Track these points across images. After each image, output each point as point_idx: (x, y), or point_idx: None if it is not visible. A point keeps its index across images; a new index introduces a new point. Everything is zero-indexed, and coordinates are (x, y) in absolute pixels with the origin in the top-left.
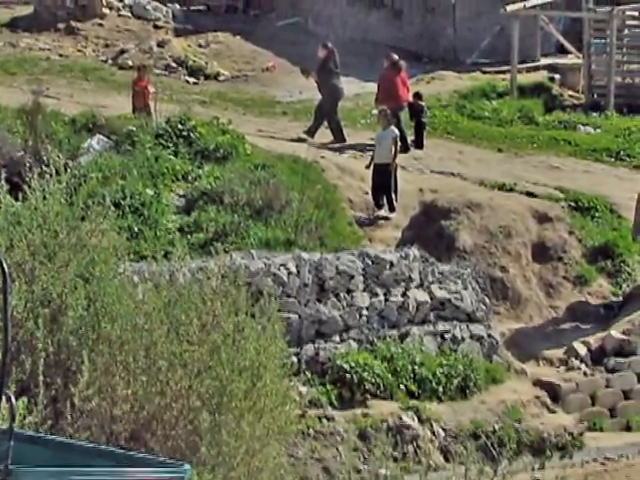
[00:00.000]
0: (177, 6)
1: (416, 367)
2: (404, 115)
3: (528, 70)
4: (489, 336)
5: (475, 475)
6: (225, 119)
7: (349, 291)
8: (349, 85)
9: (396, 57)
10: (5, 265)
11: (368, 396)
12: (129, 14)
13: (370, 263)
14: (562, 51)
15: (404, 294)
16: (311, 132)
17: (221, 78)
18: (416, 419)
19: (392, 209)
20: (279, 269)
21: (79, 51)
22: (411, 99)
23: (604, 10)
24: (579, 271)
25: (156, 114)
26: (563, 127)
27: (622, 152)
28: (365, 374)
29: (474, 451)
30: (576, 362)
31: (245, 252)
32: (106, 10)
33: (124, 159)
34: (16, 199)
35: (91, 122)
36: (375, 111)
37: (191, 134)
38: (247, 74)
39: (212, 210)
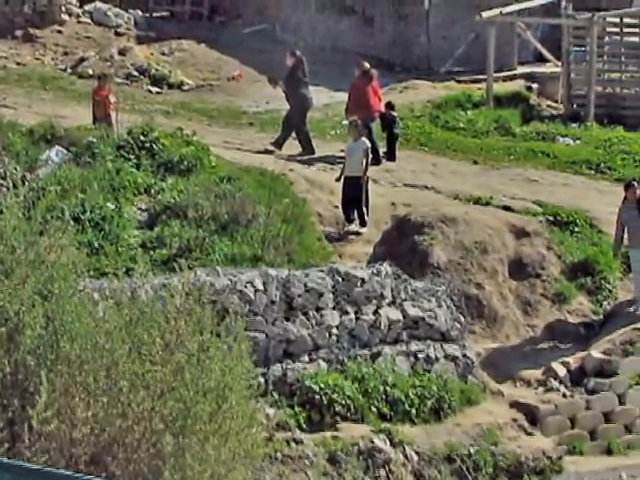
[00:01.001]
0: (139, 12)
1: (388, 388)
2: (376, 126)
3: (505, 79)
4: (464, 356)
5: None
6: (189, 130)
7: (318, 309)
8: (318, 95)
9: (367, 66)
10: None
11: (338, 418)
12: (89, 21)
13: (340, 280)
14: (540, 59)
15: (376, 312)
16: (279, 144)
17: (185, 87)
18: (388, 442)
19: (363, 224)
20: (245, 286)
21: (37, 59)
22: (383, 109)
23: (584, 16)
24: (558, 288)
25: (117, 125)
26: (541, 138)
27: (603, 164)
28: (335, 395)
29: (448, 475)
30: (555, 383)
31: (210, 268)
32: (65, 16)
33: (84, 172)
34: None
35: (50, 133)
36: (345, 122)
37: (154, 146)
38: (212, 83)
39: (176, 225)
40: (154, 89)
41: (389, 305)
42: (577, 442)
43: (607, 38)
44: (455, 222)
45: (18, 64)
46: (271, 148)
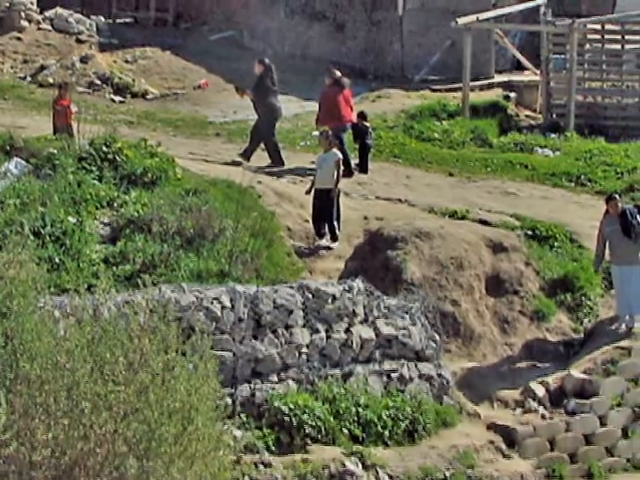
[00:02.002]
0: (102, 19)
1: (360, 409)
2: (347, 137)
3: (481, 88)
4: (439, 376)
5: None
6: (154, 141)
7: (288, 327)
8: (288, 104)
9: (339, 74)
10: None
11: (308, 440)
12: (50, 27)
13: (310, 297)
14: (518, 67)
15: (347, 330)
16: (247, 155)
17: (149, 96)
18: (360, 465)
19: (334, 238)
20: (212, 303)
21: None
22: (355, 119)
23: (564, 23)
24: (537, 305)
25: (79, 135)
26: (519, 149)
27: (583, 177)
28: (305, 417)
29: None
30: (533, 404)
31: (175, 285)
32: (25, 23)
33: (44, 184)
34: None
35: (8, 144)
36: (316, 132)
37: (117, 157)
38: (177, 92)
39: (139, 239)
40: (117, 98)
41: (361, 323)
42: (557, 465)
43: (588, 45)
44: (430, 237)
45: None
46: (239, 159)
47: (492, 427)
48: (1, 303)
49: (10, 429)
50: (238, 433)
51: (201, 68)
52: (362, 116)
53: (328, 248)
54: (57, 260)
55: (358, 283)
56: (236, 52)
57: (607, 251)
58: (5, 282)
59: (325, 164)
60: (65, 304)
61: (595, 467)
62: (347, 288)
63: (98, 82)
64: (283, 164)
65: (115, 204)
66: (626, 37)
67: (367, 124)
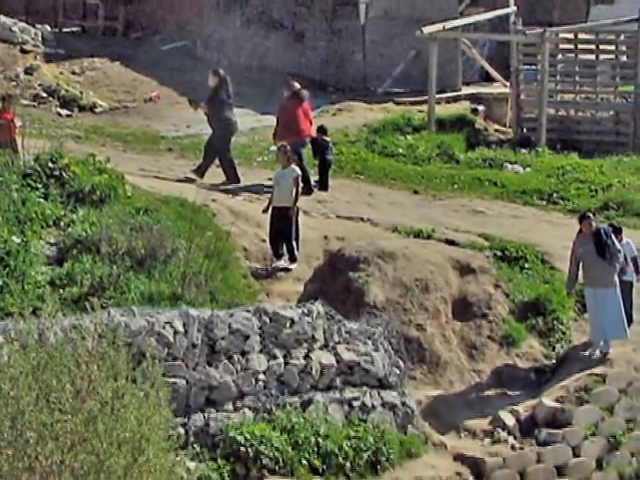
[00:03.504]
0: (48, 28)
1: (320, 439)
2: (307, 152)
3: (448, 101)
4: (403, 404)
5: None
6: (102, 157)
7: (244, 353)
8: (244, 118)
9: (297, 86)
10: None
11: (266, 472)
12: None
13: (268, 321)
14: (487, 79)
15: (307, 356)
16: (200, 171)
17: (98, 110)
18: None
19: (293, 259)
20: (164, 328)
21: None
22: (314, 134)
23: (535, 32)
24: (506, 330)
25: (23, 151)
26: (488, 166)
27: (555, 194)
28: (262, 447)
29: None
30: (503, 434)
31: (125, 308)
32: None
33: None
34: None
35: None
36: (273, 147)
37: (63, 174)
38: (127, 105)
39: (87, 260)
40: (64, 112)
41: (321, 348)
42: None
43: (560, 56)
44: (393, 257)
45: None
46: (192, 176)
47: (459, 458)
48: None
49: None
50: (192, 465)
51: (152, 80)
52: (322, 130)
53: (286, 269)
54: (0, 282)
55: (318, 306)
56: (189, 63)
57: (580, 273)
58: None
59: (283, 181)
60: (9, 328)
61: None
62: (306, 312)
63: (44, 94)
64: (239, 181)
65: (62, 223)
66: (600, 47)
67: (327, 139)
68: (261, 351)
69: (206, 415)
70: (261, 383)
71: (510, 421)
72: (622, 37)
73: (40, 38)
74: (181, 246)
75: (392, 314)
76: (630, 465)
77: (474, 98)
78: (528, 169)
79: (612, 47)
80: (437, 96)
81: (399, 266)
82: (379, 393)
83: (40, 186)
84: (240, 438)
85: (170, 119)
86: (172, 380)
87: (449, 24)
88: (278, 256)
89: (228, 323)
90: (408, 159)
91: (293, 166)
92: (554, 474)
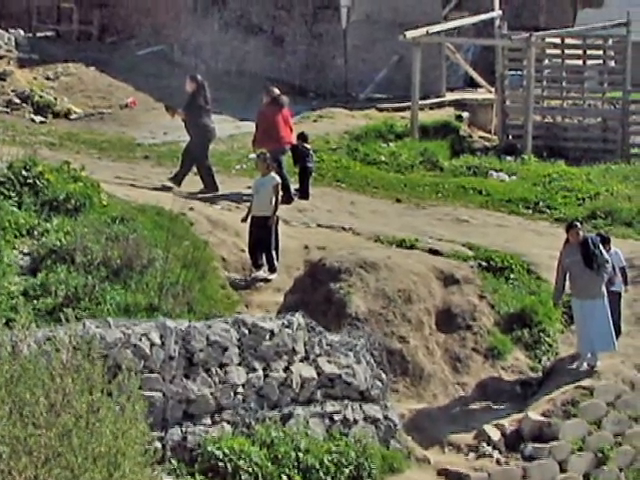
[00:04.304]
0: (21, 32)
1: (301, 454)
2: (287, 159)
3: (431, 107)
4: (386, 418)
5: None
6: (77, 164)
7: (222, 365)
8: (222, 124)
9: (277, 92)
10: None
11: None
12: None
13: (247, 332)
14: (471, 85)
15: (287, 369)
16: (178, 179)
17: (73, 116)
18: None
19: (272, 269)
20: (140, 339)
21: None
22: (295, 141)
23: (520, 37)
24: (491, 342)
25: None
26: (473, 173)
27: (541, 203)
28: (241, 462)
29: None
30: (488, 448)
31: (100, 320)
32: None
33: None
34: None
35: None
36: (253, 155)
37: (37, 182)
38: (103, 111)
39: (62, 271)
40: (38, 118)
41: (302, 361)
42: None
43: (547, 61)
44: (376, 268)
45: None
46: (169, 184)
47: (443, 473)
48: None
49: None
50: None
51: (128, 85)
52: (302, 137)
53: (266, 280)
54: None
55: (298, 318)
56: (166, 68)
57: (567, 283)
58: None
59: (262, 189)
60: None
61: None
62: (286, 323)
63: (17, 100)
64: (217, 189)
65: (35, 232)
66: (588, 52)
67: (308, 146)
68: (240, 364)
69: (184, 429)
70: (240, 396)
71: (495, 435)
72: (610, 42)
73: (13, 43)
74: (158, 256)
75: (374, 325)
76: None
77: (458, 104)
78: (514, 177)
79: (600, 52)
80: (420, 102)
81: (381, 276)
82: (361, 406)
83: (13, 194)
84: (218, 453)
85: (146, 126)
86: (149, 393)
87: (433, 28)
88: (257, 266)
89: (206, 335)
90: (391, 167)
91: (273, 174)
92: None
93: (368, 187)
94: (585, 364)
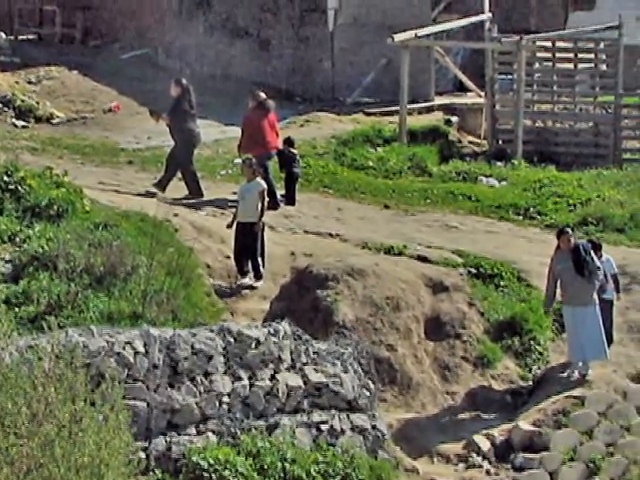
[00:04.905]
0: (3, 35)
1: (287, 464)
2: (273, 165)
3: (420, 111)
4: (374, 428)
5: None
6: (60, 170)
7: (207, 374)
8: (207, 129)
9: (263, 96)
10: None
11: None
12: None
13: (232, 341)
14: (461, 89)
15: (273, 378)
16: (162, 185)
17: (55, 121)
18: None
19: (258, 276)
20: (124, 348)
21: None
22: (281, 146)
23: (511, 40)
24: (481, 350)
25: None
26: (462, 179)
27: (532, 209)
28: (226, 472)
29: None
30: (477, 458)
31: (83, 328)
32: None
33: None
34: None
35: None
36: (238, 160)
37: (19, 187)
38: (86, 116)
39: (44, 278)
40: (19, 123)
41: (288, 370)
42: None
43: (537, 64)
44: (363, 275)
45: None
46: (153, 190)
47: None
48: None
49: None
50: None
51: (112, 90)
52: (289, 142)
53: (251, 287)
54: None
55: (284, 326)
56: (150, 72)
57: (559, 291)
58: None
59: (248, 195)
60: None
61: None
62: (272, 331)
63: None
64: (202, 195)
65: (17, 239)
66: (579, 55)
67: (294, 151)
68: (225, 372)
69: (168, 439)
70: (225, 406)
71: (485, 445)
72: (602, 45)
73: None
74: (142, 263)
75: (362, 334)
76: None
77: (447, 108)
78: (504, 183)
79: (591, 55)
80: (409, 106)
81: (369, 284)
82: (348, 416)
83: None
84: (203, 463)
85: (130, 130)
86: (132, 402)
87: (421, 31)
88: (243, 273)
89: (191, 343)
90: (379, 172)
91: (258, 179)
92: None
93: (356, 193)
94: (576, 373)
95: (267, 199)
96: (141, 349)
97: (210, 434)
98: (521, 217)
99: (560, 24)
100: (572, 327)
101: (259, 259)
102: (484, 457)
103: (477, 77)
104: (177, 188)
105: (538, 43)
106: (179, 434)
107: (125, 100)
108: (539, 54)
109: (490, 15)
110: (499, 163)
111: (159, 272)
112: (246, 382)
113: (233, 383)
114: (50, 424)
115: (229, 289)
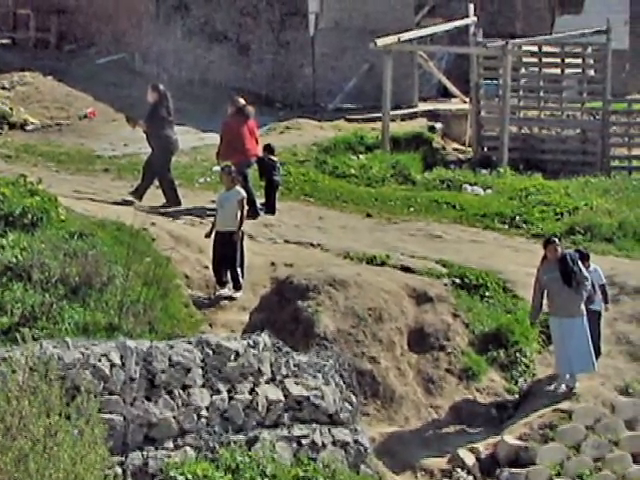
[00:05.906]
0: None
1: (267, 479)
2: (252, 173)
3: (403, 118)
4: (356, 442)
5: None
6: (34, 178)
7: (185, 387)
8: (185, 136)
9: (242, 102)
10: None
11: None
12: None
13: (211, 353)
14: (445, 95)
15: (252, 391)
16: (139, 193)
17: (29, 127)
18: None
19: (238, 287)
20: (100, 360)
21: None
22: (261, 153)
23: (496, 45)
24: (466, 363)
25: None
26: (446, 187)
27: (518, 218)
28: None
29: None
30: (462, 473)
31: (58, 339)
32: None
33: None
34: None
35: None
36: (217, 168)
37: None
38: (61, 122)
39: (18, 288)
40: None
41: (268, 383)
42: None
43: (523, 70)
44: (345, 285)
45: None
46: (130, 198)
47: None
48: None
49: None
50: None
51: (87, 95)
52: (269, 150)
53: (231, 298)
54: None
55: (264, 338)
56: (127, 77)
57: (545, 301)
58: None
59: (227, 203)
60: None
61: None
62: (252, 343)
63: None
64: (180, 203)
65: None
66: (566, 60)
67: (274, 158)
68: (203, 385)
69: (145, 454)
70: (203, 419)
71: (470, 460)
72: (589, 50)
73: None
74: (118, 273)
75: (343, 346)
76: None
77: (431, 115)
78: (489, 191)
79: (579, 60)
80: (392, 113)
81: (351, 295)
82: (330, 430)
83: None
84: (181, 478)
85: (106, 137)
86: (108, 416)
87: (405, 36)
88: (222, 284)
89: (168, 355)
90: (361, 180)
91: (238, 188)
92: None
93: (337, 201)
94: (563, 386)
95: (246, 208)
96: (117, 361)
97: (188, 448)
98: (507, 226)
99: (547, 28)
100: (559, 339)
101: (238, 269)
102: (469, 472)
103: (462, 83)
104: (154, 196)
105: (524, 48)
106: (156, 448)
107: (101, 106)
108: (525, 59)
109: (475, 19)
110: (484, 171)
111: (136, 282)
112: (225, 395)
113: (212, 396)
114: (24, 438)
115: (208, 300)
